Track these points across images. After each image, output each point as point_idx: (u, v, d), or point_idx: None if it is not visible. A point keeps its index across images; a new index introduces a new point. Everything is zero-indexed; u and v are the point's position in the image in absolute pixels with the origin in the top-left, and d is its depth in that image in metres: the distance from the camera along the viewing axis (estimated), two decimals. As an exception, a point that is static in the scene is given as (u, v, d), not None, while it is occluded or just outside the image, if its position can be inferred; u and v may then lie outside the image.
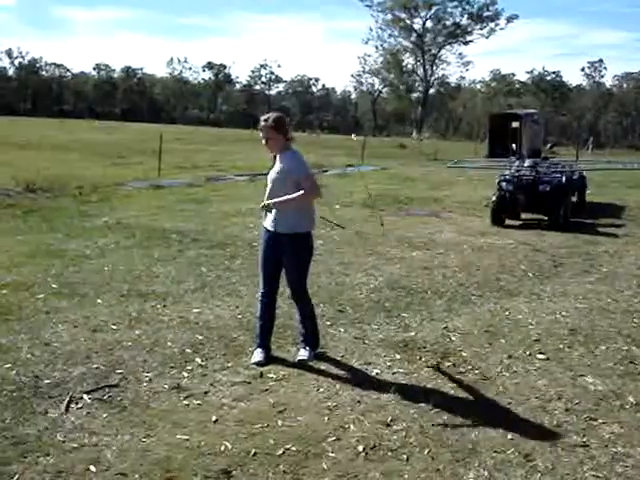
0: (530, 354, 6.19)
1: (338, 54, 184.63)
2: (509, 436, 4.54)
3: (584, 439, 4.54)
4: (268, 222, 5.76)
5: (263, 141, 5.68)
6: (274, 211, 5.69)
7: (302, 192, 5.54)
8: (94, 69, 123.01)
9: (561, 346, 6.44)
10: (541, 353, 6.22)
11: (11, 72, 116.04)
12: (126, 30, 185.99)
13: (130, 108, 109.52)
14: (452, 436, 4.51)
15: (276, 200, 5.61)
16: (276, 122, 5.57)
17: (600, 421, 4.84)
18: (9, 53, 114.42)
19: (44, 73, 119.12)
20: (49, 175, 18.13)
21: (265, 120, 5.60)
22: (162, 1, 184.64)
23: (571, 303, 8.00)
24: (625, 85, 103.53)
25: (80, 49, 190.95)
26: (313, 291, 6.14)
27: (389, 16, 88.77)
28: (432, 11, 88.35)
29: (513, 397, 5.23)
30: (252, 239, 10.93)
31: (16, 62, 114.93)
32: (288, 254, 5.71)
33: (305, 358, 5.81)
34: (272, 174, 5.73)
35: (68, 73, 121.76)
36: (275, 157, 5.75)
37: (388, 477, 3.97)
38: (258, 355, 5.79)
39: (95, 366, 5.52)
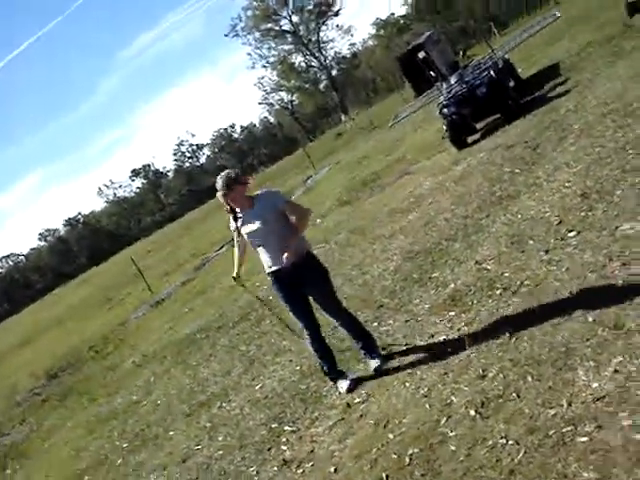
0: (562, 238, 6.16)
1: (238, 92, 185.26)
2: (590, 318, 4.52)
3: (655, 280, 4.51)
4: (275, 263, 5.57)
5: (227, 207, 5.59)
6: (276, 249, 5.50)
7: (302, 218, 5.58)
8: (39, 239, 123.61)
9: (583, 214, 6.42)
10: (570, 231, 6.19)
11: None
12: (46, 188, 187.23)
13: (92, 252, 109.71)
14: (542, 351, 4.47)
15: (292, 244, 5.46)
16: (227, 184, 5.44)
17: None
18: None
19: (1, 271, 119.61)
20: (61, 353, 18.10)
21: (220, 189, 5.47)
22: (57, 145, 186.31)
23: (567, 172, 7.97)
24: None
25: (17, 229, 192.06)
26: (344, 304, 6.10)
27: (257, 34, 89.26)
28: (290, 5, 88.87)
29: (571, 283, 5.20)
30: (267, 295, 10.90)
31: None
32: (313, 273, 5.64)
33: (379, 364, 5.77)
34: (253, 225, 5.54)
35: (20, 257, 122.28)
36: (235, 216, 5.64)
37: (512, 421, 3.93)
38: (343, 385, 5.76)
39: (204, 490, 5.48)
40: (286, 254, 5.42)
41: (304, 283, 5.65)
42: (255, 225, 5.53)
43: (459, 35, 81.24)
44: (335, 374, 5.88)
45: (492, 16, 74.11)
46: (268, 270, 5.69)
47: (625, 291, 4.59)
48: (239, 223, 5.64)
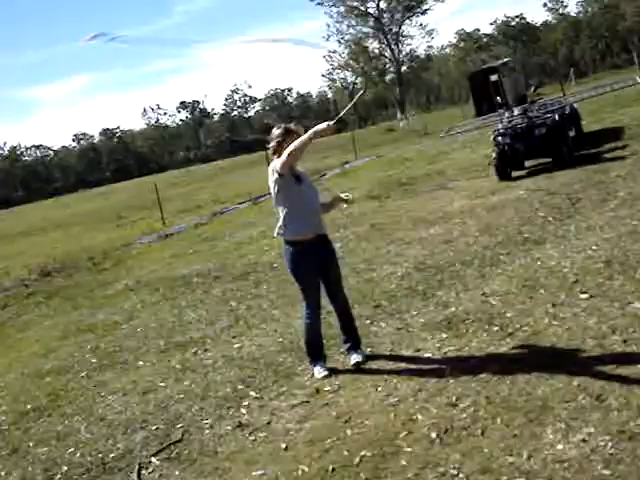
0: (573, 297, 6.12)
1: (305, 58, 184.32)
2: (575, 382, 4.48)
3: (650, 365, 4.48)
4: (317, 228, 5.63)
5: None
6: (318, 215, 5.69)
7: None
8: (73, 140, 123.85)
9: (601, 280, 6.37)
10: (583, 292, 6.14)
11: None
12: (94, 93, 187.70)
13: (118, 168, 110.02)
14: (520, 398, 4.45)
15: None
16: (287, 130, 5.57)
17: (660, 343, 4.77)
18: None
19: (27, 158, 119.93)
20: (59, 254, 18.22)
21: (279, 134, 5.55)
22: (118, 55, 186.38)
23: (598, 235, 7.91)
24: (590, 9, 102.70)
25: (54, 124, 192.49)
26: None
27: (342, 8, 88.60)
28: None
29: (568, 343, 5.18)
30: (271, 262, 10.92)
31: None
32: (331, 253, 5.82)
33: (360, 360, 5.77)
34: (309, 184, 5.74)
35: (50, 152, 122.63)
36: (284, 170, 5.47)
37: (468, 456, 3.92)
38: (320, 370, 5.76)
39: (154, 427, 5.50)
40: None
41: (324, 260, 5.73)
42: (310, 185, 5.74)
43: (536, 70, 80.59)
44: (317, 358, 5.87)
45: (574, 62, 73.44)
46: (300, 237, 5.59)
47: (618, 367, 4.55)
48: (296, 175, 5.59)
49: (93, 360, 7.89)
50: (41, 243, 24.71)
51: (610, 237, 7.72)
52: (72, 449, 5.45)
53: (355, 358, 5.80)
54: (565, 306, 5.94)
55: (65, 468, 5.12)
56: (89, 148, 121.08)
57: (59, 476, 5.01)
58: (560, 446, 3.80)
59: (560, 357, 4.98)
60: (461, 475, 3.76)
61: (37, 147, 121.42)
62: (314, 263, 5.67)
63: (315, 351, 5.89)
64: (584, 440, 3.80)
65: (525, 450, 3.84)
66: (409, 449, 4.16)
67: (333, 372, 5.72)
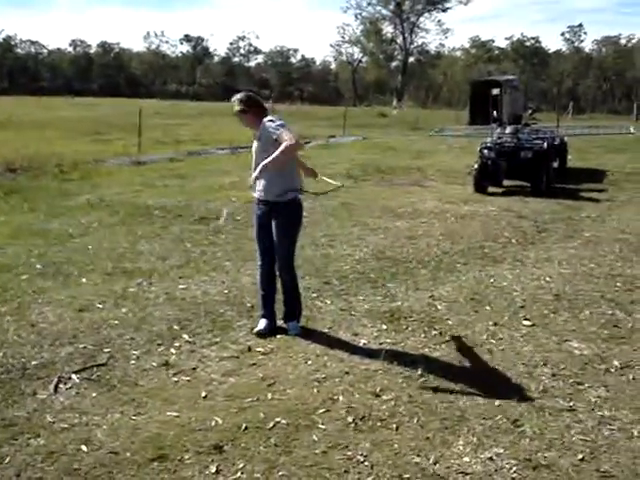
0: (515, 320, 6.24)
1: (318, 24, 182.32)
2: (497, 403, 4.58)
3: (571, 403, 4.59)
4: (258, 191, 5.77)
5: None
6: (263, 179, 5.63)
7: (282, 147, 5.26)
8: (70, 45, 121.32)
9: (546, 312, 6.50)
10: (526, 319, 6.26)
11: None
12: (102, 4, 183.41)
13: (108, 83, 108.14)
14: (441, 404, 4.54)
15: (262, 164, 5.35)
16: (243, 103, 5.64)
17: (586, 385, 4.89)
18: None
19: (19, 50, 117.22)
20: (29, 154, 17.91)
21: (234, 103, 5.68)
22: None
23: (555, 269, 8.05)
24: (604, 49, 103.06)
25: (56, 25, 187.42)
26: (298, 263, 6.13)
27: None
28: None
29: (500, 364, 5.28)
30: (236, 213, 10.89)
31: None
32: (277, 221, 5.74)
33: (290, 332, 5.85)
34: (254, 147, 5.76)
35: (44, 50, 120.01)
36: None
37: (378, 447, 4.00)
38: (260, 326, 5.85)
39: (82, 346, 5.50)
40: (255, 174, 5.50)
41: (266, 224, 5.80)
42: (255, 145, 5.75)
43: (538, 95, 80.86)
44: (264, 312, 5.96)
45: (576, 96, 74.00)
46: (253, 193, 5.86)
47: (541, 398, 4.67)
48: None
49: (38, 266, 7.83)
50: (13, 138, 24.24)
51: (566, 273, 7.86)
52: (-4, 347, 5.43)
53: (288, 328, 5.92)
54: (506, 328, 6.06)
55: (-15, 364, 5.11)
56: (83, 56, 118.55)
57: (-23, 370, 4.99)
58: (467, 459, 3.90)
59: (488, 375, 5.09)
60: (367, 463, 3.83)
61: (33, 42, 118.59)
62: (257, 221, 5.87)
63: (263, 303, 5.99)
64: (491, 459, 3.90)
65: (433, 454, 3.93)
66: (323, 426, 4.23)
67: (273, 333, 5.78)
